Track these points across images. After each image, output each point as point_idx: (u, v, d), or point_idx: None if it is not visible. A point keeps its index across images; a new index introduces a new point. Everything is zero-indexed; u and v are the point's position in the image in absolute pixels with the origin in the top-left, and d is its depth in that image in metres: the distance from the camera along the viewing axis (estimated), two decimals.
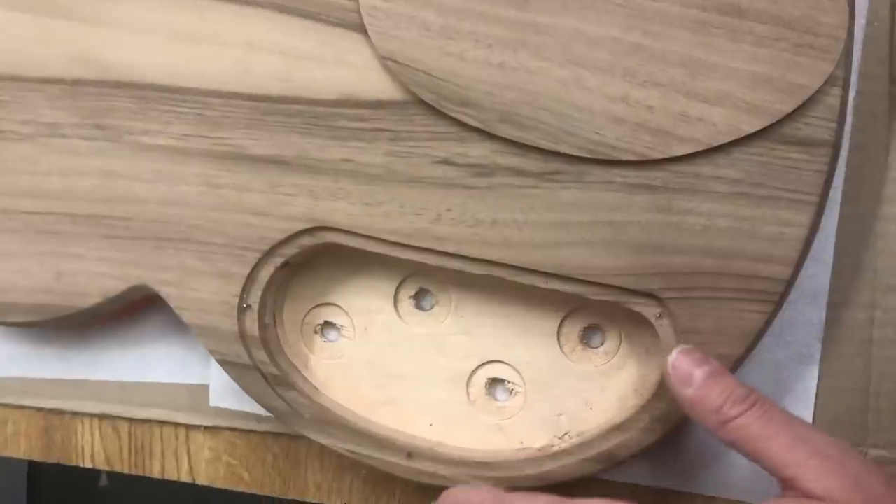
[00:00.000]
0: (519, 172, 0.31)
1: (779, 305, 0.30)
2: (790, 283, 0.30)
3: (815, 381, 0.33)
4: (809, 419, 0.33)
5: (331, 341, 0.35)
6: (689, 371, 0.28)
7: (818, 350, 0.33)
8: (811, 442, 0.26)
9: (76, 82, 0.34)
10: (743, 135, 0.29)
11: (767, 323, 0.30)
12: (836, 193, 0.32)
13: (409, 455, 0.33)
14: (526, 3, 0.29)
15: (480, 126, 0.30)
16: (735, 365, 0.31)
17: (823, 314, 0.33)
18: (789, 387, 0.33)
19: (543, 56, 0.30)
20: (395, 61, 0.31)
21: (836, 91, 0.29)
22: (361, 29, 0.31)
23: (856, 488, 0.25)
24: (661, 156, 0.29)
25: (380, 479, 0.36)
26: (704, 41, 0.29)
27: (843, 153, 0.32)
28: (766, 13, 0.28)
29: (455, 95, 0.30)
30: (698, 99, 0.29)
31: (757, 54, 0.29)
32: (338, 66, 0.32)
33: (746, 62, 0.29)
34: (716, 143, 0.29)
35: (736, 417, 0.27)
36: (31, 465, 0.39)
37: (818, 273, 0.33)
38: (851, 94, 0.31)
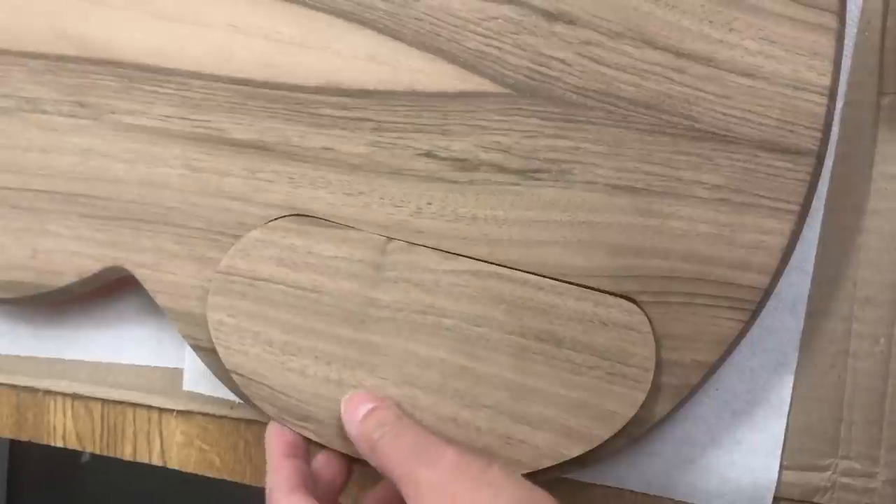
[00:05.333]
0: (501, 169, 0.31)
1: (756, 314, 0.30)
2: (768, 291, 0.30)
3: (790, 389, 0.33)
4: (783, 427, 0.33)
5: None
6: (355, 411, 0.30)
7: (794, 359, 0.33)
8: (426, 448, 0.27)
9: (59, 58, 0.33)
10: (565, 459, 0.30)
11: (744, 331, 0.30)
12: (819, 203, 0.32)
13: None
14: (362, 324, 0.31)
15: (320, 441, 0.31)
16: (710, 371, 0.30)
17: (801, 323, 0.33)
18: (764, 394, 0.33)
19: (379, 375, 0.31)
20: (240, 374, 0.31)
21: (823, 100, 0.29)
22: (346, 16, 0.31)
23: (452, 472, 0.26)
24: None
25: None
26: (525, 367, 0.30)
27: (828, 163, 0.32)
28: (580, 342, 0.30)
29: (297, 409, 0.31)
30: (522, 422, 0.30)
31: (574, 381, 0.30)
32: (322, 52, 0.31)
33: (565, 388, 0.30)
34: (540, 467, 0.30)
35: (378, 440, 0.28)
36: (13, 440, 0.39)
37: (798, 282, 0.32)
38: (839, 104, 0.31)
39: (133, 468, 0.39)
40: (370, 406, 0.30)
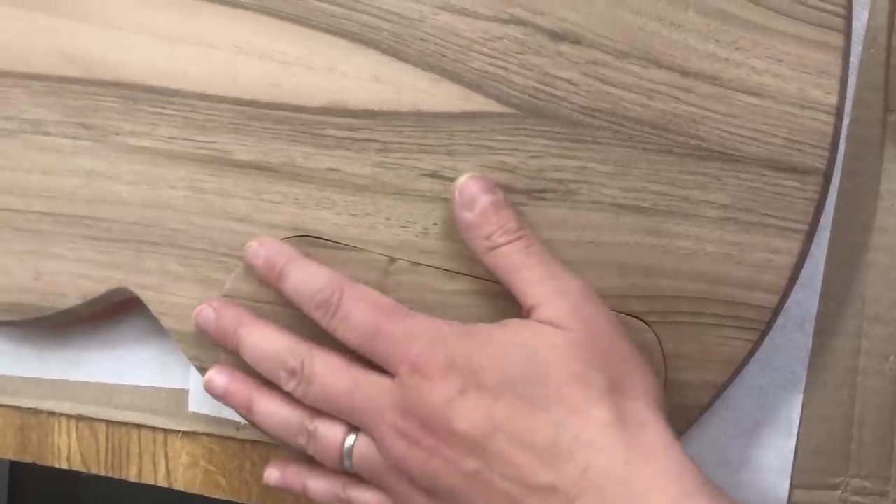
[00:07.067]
0: (507, 189, 0.31)
1: (765, 333, 0.30)
2: (777, 311, 0.30)
3: (799, 408, 0.33)
4: (792, 446, 0.33)
5: None
6: (475, 196, 0.29)
7: (803, 377, 0.33)
8: (559, 280, 0.28)
9: (62, 79, 0.33)
10: None
11: (753, 350, 0.30)
12: (826, 220, 0.32)
13: None
14: None
15: None
16: (719, 390, 0.30)
17: (810, 341, 0.32)
18: (773, 413, 0.33)
19: None
20: None
21: (830, 119, 0.29)
22: (351, 37, 0.31)
23: (584, 322, 0.27)
24: None
25: None
26: None
27: (835, 180, 0.32)
28: None
29: None
30: None
31: None
32: (327, 73, 0.31)
33: None
34: None
35: (501, 245, 0.28)
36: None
37: (806, 300, 0.32)
38: (845, 122, 0.31)
39: (134, 482, 0.39)
40: (490, 198, 0.29)
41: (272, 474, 0.32)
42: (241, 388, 0.31)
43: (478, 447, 0.26)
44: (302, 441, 0.30)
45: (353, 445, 0.29)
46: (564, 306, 0.27)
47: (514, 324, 0.28)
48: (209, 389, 0.32)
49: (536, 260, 0.28)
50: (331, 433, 0.29)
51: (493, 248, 0.29)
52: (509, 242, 0.28)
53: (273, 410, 0.30)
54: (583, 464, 0.25)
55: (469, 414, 0.26)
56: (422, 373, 0.27)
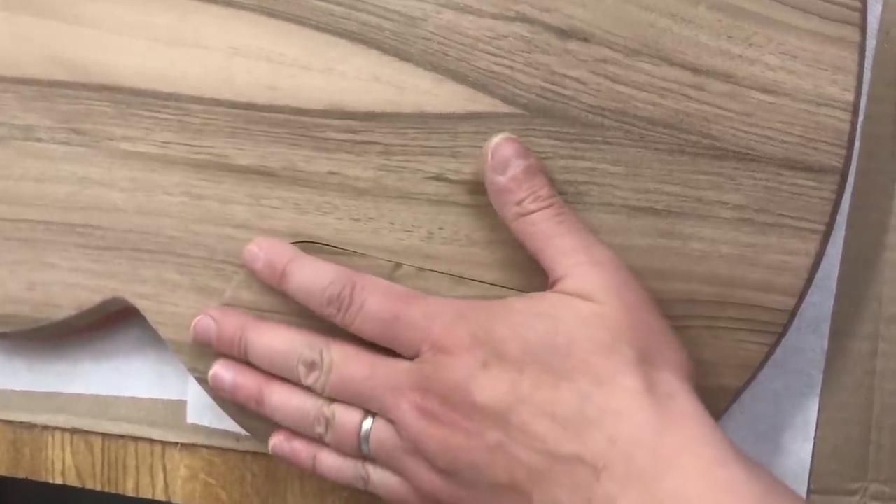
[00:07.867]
0: None
1: (781, 336, 0.29)
2: (793, 313, 0.29)
3: (816, 412, 0.32)
4: (809, 450, 0.32)
5: None
6: (507, 159, 0.28)
7: (819, 380, 0.32)
8: (590, 251, 0.27)
9: (52, 84, 0.32)
10: None
11: (769, 354, 0.29)
12: (841, 219, 0.31)
13: None
14: None
15: None
16: (735, 395, 0.30)
17: (825, 344, 0.32)
18: (789, 417, 0.32)
19: None
20: None
21: (846, 116, 0.28)
22: (350, 37, 0.30)
23: (615, 295, 0.26)
24: None
25: (362, 502, 0.35)
26: None
27: (850, 179, 0.31)
28: None
29: None
30: None
31: None
32: (326, 75, 0.30)
33: None
34: None
35: (532, 212, 0.27)
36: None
37: (821, 301, 0.32)
38: (860, 119, 0.30)
39: (132, 496, 0.38)
40: (523, 162, 0.28)
41: (279, 442, 0.31)
42: (250, 380, 0.30)
43: (500, 420, 0.25)
44: (320, 428, 0.29)
45: (370, 429, 0.28)
46: (594, 278, 0.27)
47: (536, 295, 0.27)
48: (215, 384, 0.31)
49: (567, 228, 0.28)
50: (348, 418, 0.29)
51: (523, 215, 0.28)
52: (540, 209, 0.28)
53: (286, 399, 0.30)
54: (610, 433, 0.24)
55: (491, 387, 0.26)
56: (445, 350, 0.27)
